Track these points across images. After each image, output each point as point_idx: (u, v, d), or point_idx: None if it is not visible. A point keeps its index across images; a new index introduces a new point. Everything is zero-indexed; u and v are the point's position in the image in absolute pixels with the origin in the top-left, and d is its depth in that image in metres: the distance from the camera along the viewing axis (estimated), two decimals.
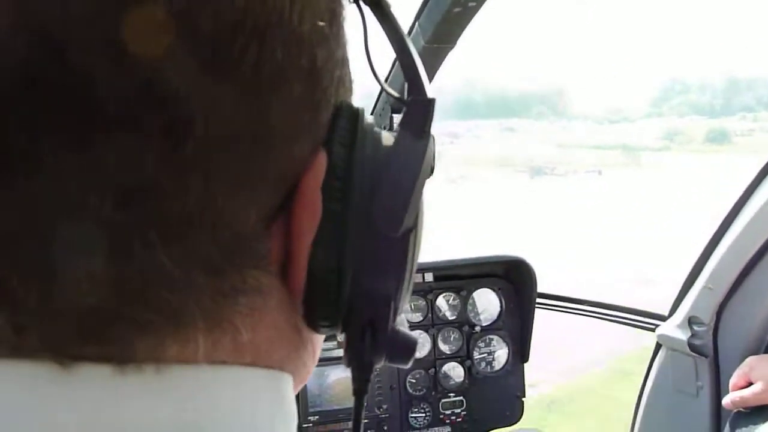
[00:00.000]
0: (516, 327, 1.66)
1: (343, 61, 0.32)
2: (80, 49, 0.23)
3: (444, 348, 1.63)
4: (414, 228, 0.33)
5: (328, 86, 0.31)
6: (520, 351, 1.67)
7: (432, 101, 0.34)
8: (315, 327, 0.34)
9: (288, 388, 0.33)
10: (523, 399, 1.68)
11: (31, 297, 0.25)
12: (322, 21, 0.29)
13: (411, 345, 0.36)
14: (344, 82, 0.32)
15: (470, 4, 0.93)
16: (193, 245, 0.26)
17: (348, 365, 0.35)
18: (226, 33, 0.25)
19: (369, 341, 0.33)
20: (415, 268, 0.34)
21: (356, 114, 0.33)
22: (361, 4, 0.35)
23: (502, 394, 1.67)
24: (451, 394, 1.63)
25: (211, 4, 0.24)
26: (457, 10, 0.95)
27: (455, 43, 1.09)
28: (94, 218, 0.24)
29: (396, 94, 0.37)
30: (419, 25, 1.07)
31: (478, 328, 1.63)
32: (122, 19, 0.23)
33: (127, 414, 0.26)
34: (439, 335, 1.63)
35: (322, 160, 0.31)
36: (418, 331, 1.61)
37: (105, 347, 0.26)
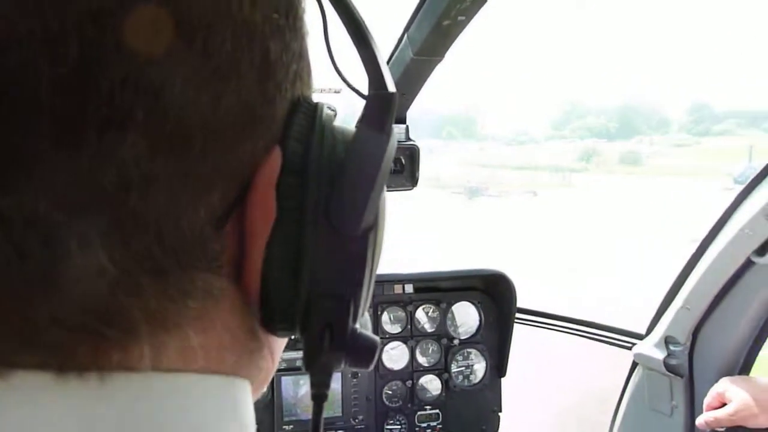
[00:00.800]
0: (494, 341, 1.66)
1: (302, 55, 0.31)
2: (12, 42, 0.22)
3: (422, 360, 1.62)
4: (374, 227, 0.31)
5: (282, 80, 0.29)
6: (498, 365, 1.67)
7: (393, 95, 0.32)
8: (272, 330, 0.32)
9: (242, 394, 0.31)
10: (500, 414, 1.68)
11: None
12: (276, 12, 0.28)
13: (372, 347, 0.34)
14: (302, 76, 0.31)
15: (459, 18, 0.94)
16: (135, 247, 0.25)
17: (306, 369, 0.33)
18: (169, 26, 0.24)
19: (327, 344, 0.32)
20: (376, 268, 0.33)
21: (314, 109, 0.31)
22: None
23: (479, 408, 1.66)
24: (428, 407, 1.63)
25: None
26: (446, 23, 0.95)
27: (443, 56, 1.09)
28: (30, 219, 0.23)
29: (357, 89, 0.36)
30: (408, 36, 1.07)
31: (456, 341, 1.63)
32: (64, 10, 0.22)
33: (67, 424, 0.24)
34: (418, 347, 1.62)
35: (276, 157, 0.29)
36: (396, 343, 1.61)
37: (44, 355, 0.24)
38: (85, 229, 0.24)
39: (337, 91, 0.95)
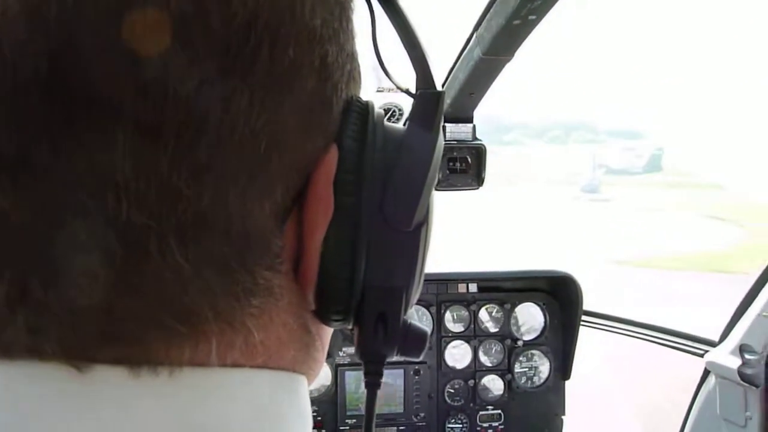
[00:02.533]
0: (559, 343, 1.64)
1: (353, 55, 0.32)
2: (93, 52, 0.23)
3: (484, 360, 1.62)
4: (425, 222, 0.33)
5: (339, 81, 0.30)
6: (562, 368, 1.64)
7: (441, 93, 0.34)
8: (326, 321, 0.34)
9: (301, 387, 0.32)
10: (563, 417, 1.66)
11: (50, 299, 0.25)
12: (332, 15, 0.29)
13: (422, 337, 0.35)
14: (354, 76, 0.32)
15: (530, 17, 0.93)
16: (207, 246, 0.26)
17: (360, 358, 0.35)
18: (238, 33, 0.25)
19: (381, 334, 0.33)
20: (426, 262, 0.34)
21: (366, 108, 0.32)
22: None
23: (542, 411, 1.64)
24: (490, 407, 1.62)
25: (222, 4, 0.25)
26: (516, 22, 0.95)
27: (513, 56, 1.08)
28: (111, 220, 0.24)
29: (405, 87, 0.37)
30: (477, 36, 1.07)
31: (520, 342, 1.62)
32: (132, 21, 0.23)
33: (140, 418, 0.25)
34: (481, 347, 1.61)
35: (333, 155, 0.30)
36: (459, 342, 1.60)
37: (121, 349, 0.25)
38: (163, 230, 0.25)
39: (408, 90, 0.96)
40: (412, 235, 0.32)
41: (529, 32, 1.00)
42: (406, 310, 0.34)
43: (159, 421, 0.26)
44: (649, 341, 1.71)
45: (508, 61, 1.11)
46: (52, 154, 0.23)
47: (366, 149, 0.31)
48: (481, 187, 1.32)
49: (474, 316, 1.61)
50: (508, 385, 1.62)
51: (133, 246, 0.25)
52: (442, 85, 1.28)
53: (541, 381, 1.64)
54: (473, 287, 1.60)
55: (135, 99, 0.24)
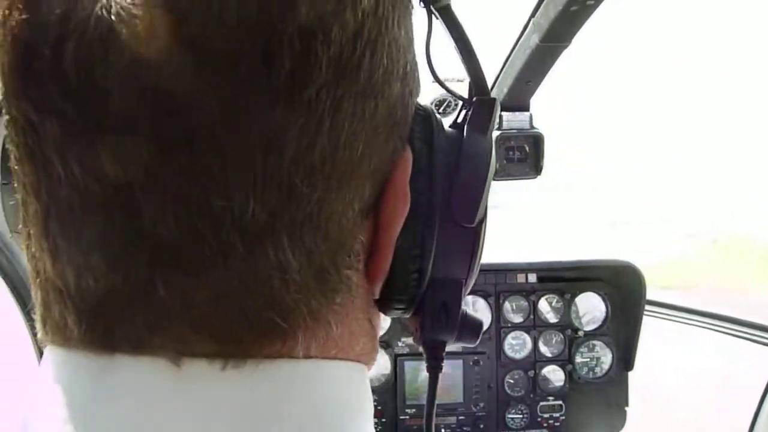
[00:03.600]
0: (622, 333, 1.60)
1: (417, 64, 0.34)
2: (231, 60, 0.24)
3: (544, 350, 1.60)
4: (484, 219, 0.35)
5: (413, 87, 0.33)
6: (625, 358, 1.61)
7: (494, 101, 0.37)
8: (386, 310, 0.37)
9: (365, 377, 0.35)
10: (626, 408, 1.63)
11: (173, 297, 0.26)
12: (408, 25, 0.31)
13: (479, 326, 0.39)
14: (418, 83, 0.34)
15: (588, 2, 0.91)
16: (309, 245, 0.28)
17: (422, 345, 0.39)
18: (349, 43, 0.26)
19: (443, 322, 0.36)
20: (482, 256, 0.37)
21: (429, 113, 0.35)
22: (432, 8, 0.38)
23: (604, 402, 1.62)
24: (550, 398, 1.60)
25: (339, 16, 0.26)
26: (574, 8, 0.93)
27: (570, 42, 1.07)
28: (237, 219, 0.26)
29: (459, 94, 0.40)
30: (533, 23, 1.05)
31: (581, 333, 1.59)
32: (270, 32, 0.24)
33: (231, 410, 0.27)
34: (541, 337, 1.60)
35: (408, 156, 0.33)
36: (519, 332, 1.59)
37: (221, 344, 0.27)
38: (280, 228, 0.27)
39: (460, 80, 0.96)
40: (474, 231, 0.35)
41: (588, 17, 0.98)
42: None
43: (247, 412, 0.28)
44: (717, 331, 1.66)
45: (566, 47, 1.09)
46: (189, 156, 0.25)
47: (434, 151, 0.34)
48: (538, 176, 1.31)
49: (534, 307, 1.59)
50: (569, 376, 1.60)
51: (254, 245, 0.26)
52: (498, 74, 1.27)
53: (603, 372, 1.61)
54: (533, 277, 1.59)
55: (267, 102, 0.25)
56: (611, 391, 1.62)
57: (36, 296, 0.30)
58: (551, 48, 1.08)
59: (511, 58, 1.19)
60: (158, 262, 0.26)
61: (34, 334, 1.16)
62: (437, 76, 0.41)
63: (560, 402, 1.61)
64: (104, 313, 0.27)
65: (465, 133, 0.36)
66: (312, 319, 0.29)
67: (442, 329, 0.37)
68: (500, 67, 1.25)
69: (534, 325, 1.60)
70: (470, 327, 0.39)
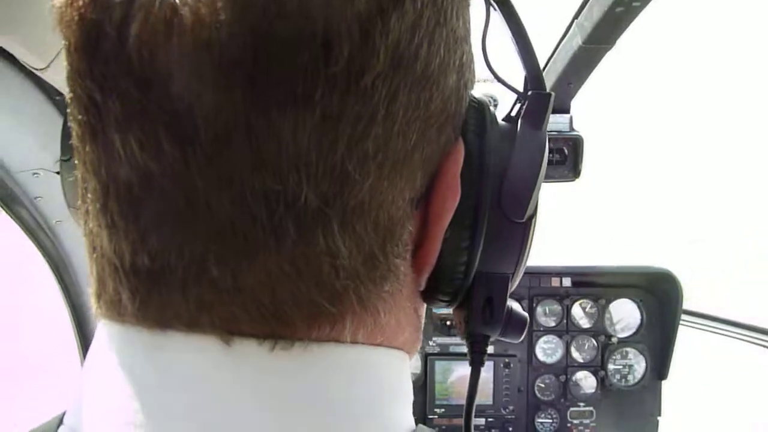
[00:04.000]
0: (656, 342, 1.58)
1: (473, 56, 0.34)
2: (292, 43, 0.25)
3: (577, 356, 1.58)
4: (534, 215, 0.35)
5: (468, 79, 0.33)
6: (659, 367, 1.58)
7: (551, 95, 0.36)
8: (431, 302, 0.37)
9: (407, 366, 0.35)
10: (659, 418, 1.60)
11: (225, 277, 0.27)
12: (465, 17, 0.32)
13: (523, 322, 0.39)
14: (473, 75, 0.34)
15: (634, 3, 0.90)
16: (360, 232, 0.28)
17: (465, 338, 0.39)
18: (407, 33, 0.27)
19: (488, 316, 0.36)
20: (530, 253, 0.37)
21: (483, 105, 0.34)
22: (492, 1, 0.38)
23: (636, 411, 1.59)
24: (581, 404, 1.58)
25: (399, 6, 0.26)
26: (619, 9, 0.92)
27: (614, 44, 1.05)
28: (290, 204, 0.26)
29: (515, 88, 0.39)
30: (577, 24, 1.04)
31: (615, 339, 1.57)
32: (327, 17, 0.25)
33: (271, 387, 0.28)
34: (573, 342, 1.58)
35: (460, 148, 0.33)
36: (551, 336, 1.58)
37: (271, 326, 0.28)
38: (331, 215, 0.27)
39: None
40: (524, 226, 0.35)
41: (633, 19, 0.96)
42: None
43: (294, 393, 0.28)
44: (755, 344, 1.62)
45: (609, 49, 1.08)
46: (246, 140, 0.25)
47: (486, 144, 0.34)
48: (577, 179, 1.30)
49: (567, 311, 1.58)
50: (601, 383, 1.58)
51: (305, 230, 0.27)
52: None
53: (636, 380, 1.58)
54: (567, 281, 1.57)
55: (324, 88, 0.25)
56: (644, 399, 1.59)
57: (92, 271, 0.31)
58: (594, 50, 1.07)
59: (552, 59, 1.18)
60: (212, 242, 0.27)
61: (75, 317, 1.19)
62: (492, 68, 0.41)
63: (591, 408, 1.59)
64: (158, 291, 0.28)
65: (519, 127, 0.35)
66: (360, 306, 0.29)
67: (486, 323, 0.37)
68: (542, 69, 1.24)
69: (567, 329, 1.58)
70: (515, 322, 0.38)
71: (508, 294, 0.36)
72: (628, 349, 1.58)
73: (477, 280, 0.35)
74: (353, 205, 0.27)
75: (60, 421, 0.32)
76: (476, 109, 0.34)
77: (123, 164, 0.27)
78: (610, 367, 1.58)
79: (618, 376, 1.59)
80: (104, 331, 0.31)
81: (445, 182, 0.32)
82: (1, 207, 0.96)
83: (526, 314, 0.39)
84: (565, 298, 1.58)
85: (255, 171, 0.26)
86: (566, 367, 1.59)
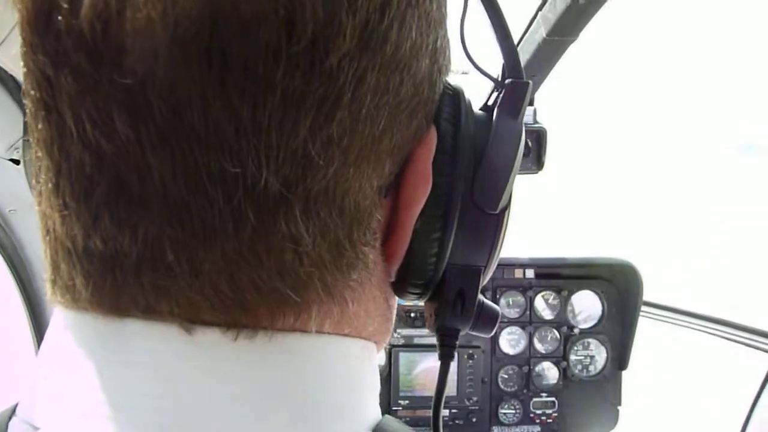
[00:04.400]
0: (617, 333, 1.61)
1: (449, 40, 0.33)
2: (253, 21, 0.23)
3: (539, 347, 1.60)
4: (508, 206, 0.34)
5: (442, 64, 0.32)
6: (620, 358, 1.61)
7: (528, 84, 0.35)
8: (402, 294, 0.36)
9: (375, 357, 0.34)
10: (619, 408, 1.63)
11: (181, 262, 0.26)
12: (440, 2, 0.30)
13: (494, 316, 0.38)
14: (450, 60, 0.33)
15: None
16: (324, 219, 0.27)
17: (435, 331, 0.38)
18: (376, 12, 0.26)
19: (459, 310, 0.35)
20: (503, 245, 0.36)
21: (458, 93, 0.34)
22: None
23: (598, 400, 1.62)
24: (544, 394, 1.60)
25: None
26: (583, 1, 0.92)
27: (578, 36, 1.06)
28: (249, 189, 0.25)
29: (492, 76, 0.38)
30: (541, 16, 1.05)
31: (576, 330, 1.59)
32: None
33: (239, 379, 0.27)
34: (536, 333, 1.60)
35: (433, 135, 0.32)
36: (514, 328, 1.59)
37: (232, 314, 0.27)
38: (292, 200, 0.26)
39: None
40: (497, 218, 0.34)
41: (596, 11, 0.97)
42: (481, 289, 0.36)
43: (257, 384, 0.27)
44: (713, 335, 1.66)
45: (573, 41, 1.08)
46: (202, 118, 0.24)
47: (460, 132, 0.33)
48: (540, 172, 1.30)
49: (530, 303, 1.59)
50: (563, 373, 1.60)
51: (265, 215, 0.26)
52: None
53: (597, 370, 1.61)
54: (530, 273, 1.59)
55: (286, 68, 0.24)
56: (604, 389, 1.62)
57: (45, 255, 0.29)
58: (558, 42, 1.08)
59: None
60: (168, 225, 0.25)
61: (30, 308, 1.16)
62: (470, 56, 0.40)
63: (553, 399, 1.61)
64: (112, 275, 0.26)
65: (495, 116, 0.35)
66: (326, 294, 0.28)
67: (457, 317, 0.36)
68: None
69: (530, 321, 1.60)
70: (486, 316, 0.38)
71: (480, 287, 0.36)
72: (590, 340, 1.61)
73: (448, 272, 0.35)
74: (317, 191, 0.26)
75: (12, 413, 0.30)
76: (451, 96, 0.33)
77: (75, 142, 0.25)
78: (572, 357, 1.61)
79: (579, 367, 1.61)
80: (60, 317, 0.29)
81: (416, 170, 0.31)
82: None
83: (497, 308, 0.39)
84: (528, 289, 1.59)
85: (211, 152, 0.24)
86: (529, 358, 1.60)
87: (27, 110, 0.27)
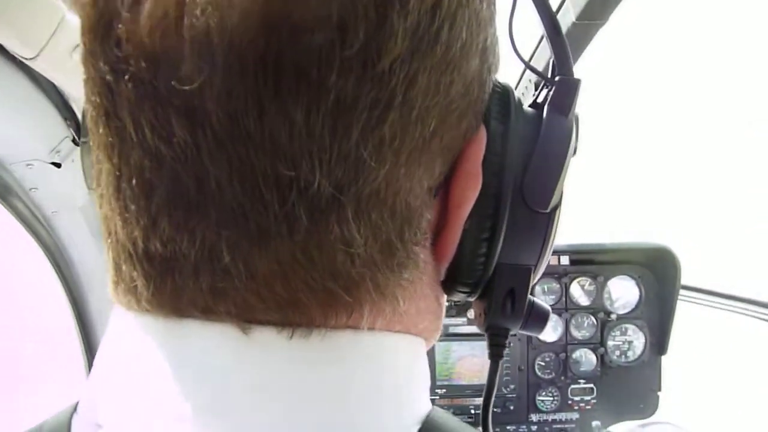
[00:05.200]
0: (655, 318, 1.58)
1: (497, 40, 0.33)
2: (306, 28, 0.24)
3: (576, 334, 1.59)
4: (559, 205, 0.34)
5: (492, 63, 0.32)
6: (658, 343, 1.59)
7: (579, 81, 0.35)
8: (451, 292, 0.36)
9: (424, 352, 0.34)
10: (659, 393, 1.61)
11: (237, 264, 0.26)
12: (489, 1, 0.30)
13: (545, 315, 0.38)
14: (497, 60, 0.33)
15: None
16: (375, 220, 0.27)
17: (485, 331, 0.38)
18: (427, 15, 0.26)
19: (509, 309, 0.35)
20: (553, 245, 0.35)
21: (508, 91, 0.33)
22: None
23: (636, 386, 1.60)
24: (582, 381, 1.59)
25: None
26: None
27: (607, 19, 1.05)
28: (303, 191, 0.26)
29: (542, 73, 0.38)
30: (570, 0, 1.03)
31: (614, 316, 1.58)
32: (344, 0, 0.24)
33: (292, 375, 0.28)
34: (572, 320, 1.59)
35: (482, 135, 0.32)
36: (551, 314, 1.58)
37: (287, 314, 0.27)
38: (345, 202, 0.26)
39: None
40: (547, 216, 0.34)
41: None
42: (532, 288, 0.36)
43: (313, 382, 0.28)
44: (755, 318, 1.63)
45: (602, 25, 1.07)
46: (258, 124, 0.25)
47: (510, 132, 0.32)
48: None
49: (566, 289, 1.58)
50: (601, 359, 1.59)
51: (318, 217, 0.26)
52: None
53: (636, 356, 1.59)
54: (565, 260, 1.57)
55: (339, 73, 0.24)
56: (643, 375, 1.60)
57: (108, 256, 0.30)
58: (587, 26, 1.06)
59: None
60: (224, 228, 0.26)
61: (75, 308, 1.19)
62: (519, 53, 0.40)
63: (591, 385, 1.60)
64: (172, 277, 0.27)
65: (545, 114, 0.34)
66: (378, 294, 0.29)
67: (507, 317, 0.36)
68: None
69: (566, 307, 1.59)
70: (537, 316, 0.38)
71: (531, 287, 0.35)
72: (628, 325, 1.59)
73: (498, 271, 0.34)
74: (368, 193, 0.27)
75: (74, 410, 0.32)
76: (500, 94, 0.33)
77: (135, 147, 0.26)
78: (610, 343, 1.59)
79: (617, 353, 1.60)
80: (120, 318, 0.30)
81: (466, 170, 0.31)
82: None
83: (548, 307, 0.39)
84: (563, 276, 1.58)
85: (266, 156, 0.25)
86: (566, 344, 1.59)
87: (88, 115, 0.28)
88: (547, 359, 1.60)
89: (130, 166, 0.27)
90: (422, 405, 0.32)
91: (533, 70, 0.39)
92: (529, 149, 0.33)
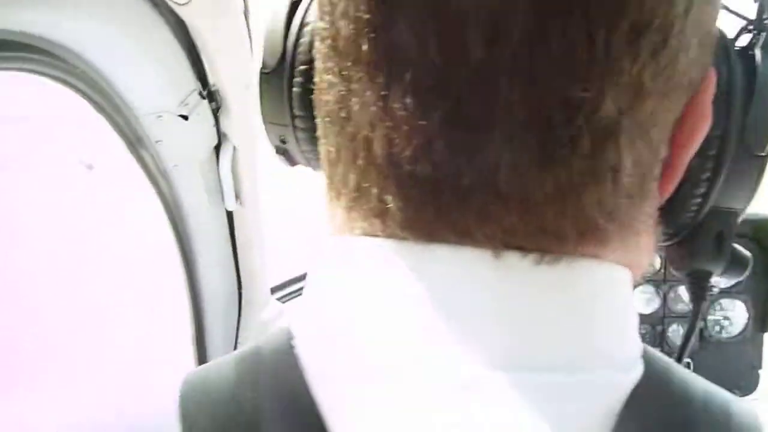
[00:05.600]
0: (761, 293, 1.53)
1: None
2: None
3: (675, 306, 1.55)
4: None
5: (717, 8, 0.31)
6: (762, 319, 1.54)
7: None
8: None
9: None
10: (760, 371, 1.56)
11: (513, 188, 0.26)
12: None
13: (746, 261, 0.39)
14: None
15: None
16: (639, 150, 0.27)
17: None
18: None
19: (714, 252, 0.37)
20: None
21: (724, 34, 0.34)
22: None
23: (737, 363, 1.56)
24: None
25: None
26: None
27: None
28: (589, 115, 0.25)
29: (743, 15, 0.38)
30: None
31: (715, 290, 1.52)
32: None
33: (536, 302, 0.28)
34: (671, 292, 1.55)
35: (712, 77, 0.31)
36: (647, 287, 1.55)
37: (545, 240, 0.27)
38: (623, 128, 0.26)
39: None
40: (763, 160, 0.35)
41: None
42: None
43: (553, 305, 0.28)
44: None
45: None
46: (562, 44, 0.25)
47: (733, 75, 0.33)
48: None
49: (664, 261, 1.54)
50: (700, 334, 1.55)
51: (597, 143, 0.26)
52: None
53: (737, 331, 1.55)
54: None
55: (619, 40, 0.25)
56: (745, 351, 1.56)
57: (346, 182, 0.30)
58: None
59: None
60: (506, 151, 0.26)
61: (186, 263, 1.22)
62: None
63: (689, 360, 1.56)
64: (435, 199, 0.27)
65: (759, 58, 0.34)
66: (627, 224, 0.29)
67: (711, 260, 0.37)
68: None
69: (664, 279, 1.55)
70: (738, 261, 0.39)
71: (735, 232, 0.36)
72: (729, 299, 1.54)
73: (710, 214, 0.35)
74: (640, 120, 0.27)
75: (289, 339, 0.31)
76: (720, 39, 0.33)
77: (413, 64, 0.26)
78: (710, 318, 1.55)
79: (717, 328, 1.55)
80: (353, 244, 0.30)
81: (697, 109, 0.30)
82: (129, 150, 0.99)
83: (748, 254, 0.39)
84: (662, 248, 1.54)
85: (563, 76, 0.25)
86: (663, 317, 1.56)
87: (340, 34, 0.28)
88: (643, 331, 1.56)
89: (404, 84, 0.26)
90: (639, 339, 0.32)
91: (735, 13, 0.39)
92: (749, 92, 0.33)
